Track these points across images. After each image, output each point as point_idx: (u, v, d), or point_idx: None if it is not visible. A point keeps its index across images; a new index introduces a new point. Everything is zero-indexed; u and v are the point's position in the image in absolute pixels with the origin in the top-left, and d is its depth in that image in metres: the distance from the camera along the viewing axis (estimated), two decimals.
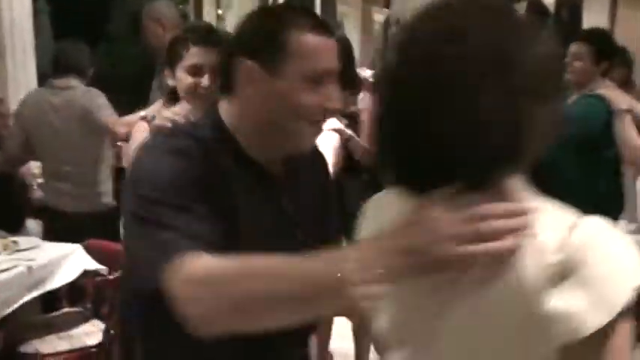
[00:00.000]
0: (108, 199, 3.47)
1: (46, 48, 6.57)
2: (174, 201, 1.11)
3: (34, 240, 2.95)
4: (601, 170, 2.98)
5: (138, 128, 2.10)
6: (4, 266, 2.62)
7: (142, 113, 2.11)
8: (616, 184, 3.06)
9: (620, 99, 2.92)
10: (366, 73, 3.99)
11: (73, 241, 2.94)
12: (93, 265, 2.90)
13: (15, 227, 3.29)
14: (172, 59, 1.92)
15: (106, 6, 8.94)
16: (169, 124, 1.77)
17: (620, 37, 4.84)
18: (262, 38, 1.19)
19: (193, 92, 1.86)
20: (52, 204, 3.40)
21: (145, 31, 3.48)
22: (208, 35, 1.91)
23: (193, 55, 1.86)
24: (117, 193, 4.04)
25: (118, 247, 3.00)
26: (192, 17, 5.72)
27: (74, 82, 3.39)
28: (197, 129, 1.25)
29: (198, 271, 1.00)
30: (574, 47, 3.01)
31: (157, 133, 1.64)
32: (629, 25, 4.81)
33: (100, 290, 2.86)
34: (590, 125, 2.89)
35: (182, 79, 1.89)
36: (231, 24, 5.37)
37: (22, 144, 3.40)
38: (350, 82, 2.85)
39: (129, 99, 5.41)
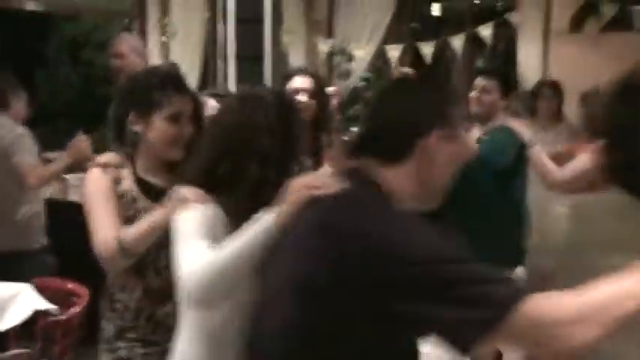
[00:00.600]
0: (40, 236, 3.42)
1: None
2: (460, 255, 1.12)
3: None
4: (514, 197, 3.16)
5: (94, 177, 1.86)
6: None
7: (102, 160, 1.90)
8: (524, 210, 3.23)
9: (526, 130, 3.10)
10: None
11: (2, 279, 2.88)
12: (43, 304, 2.84)
13: None
14: (147, 106, 1.82)
15: (43, 31, 8.79)
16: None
17: (554, 70, 5.09)
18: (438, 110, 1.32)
19: (174, 142, 1.83)
20: None
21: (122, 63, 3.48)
22: (182, 81, 1.89)
23: (175, 103, 1.82)
24: (50, 229, 3.99)
25: (68, 285, 2.96)
26: None
27: (2, 119, 3.34)
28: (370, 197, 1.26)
29: (569, 307, 1.09)
30: (482, 81, 3.18)
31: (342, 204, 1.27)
32: (561, 58, 5.05)
33: (50, 330, 2.80)
34: (507, 156, 3.05)
35: (162, 128, 1.82)
36: (175, 52, 5.35)
37: None
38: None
39: (69, 126, 5.35)
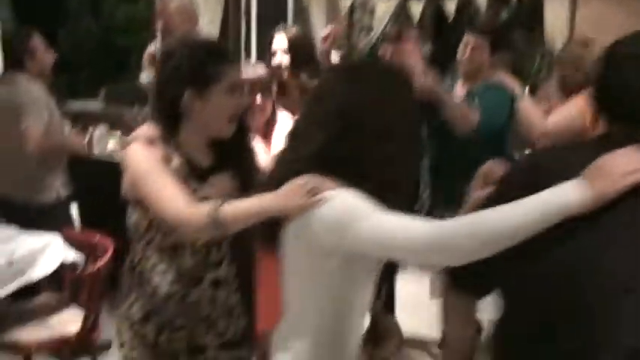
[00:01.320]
0: (58, 190, 3.51)
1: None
2: None
3: (12, 230, 2.98)
4: (504, 152, 3.15)
5: (142, 151, 1.75)
6: None
7: (145, 134, 1.79)
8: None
9: (516, 85, 3.16)
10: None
11: None
12: (71, 255, 2.97)
13: None
14: (204, 82, 1.74)
15: None
16: None
17: (581, 28, 5.02)
18: None
19: (234, 114, 1.78)
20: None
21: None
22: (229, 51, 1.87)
23: (230, 74, 1.76)
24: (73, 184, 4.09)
25: (95, 236, 3.08)
26: None
27: (17, 77, 3.41)
28: None
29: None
30: (472, 38, 3.16)
31: None
32: (589, 16, 4.98)
33: (77, 281, 2.92)
34: (503, 113, 3.10)
35: (222, 102, 1.75)
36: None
37: None
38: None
39: (90, 76, 5.44)
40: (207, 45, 1.87)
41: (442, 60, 4.63)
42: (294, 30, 3.22)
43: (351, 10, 6.42)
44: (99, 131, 4.24)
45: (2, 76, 3.50)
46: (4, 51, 3.63)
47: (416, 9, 6.04)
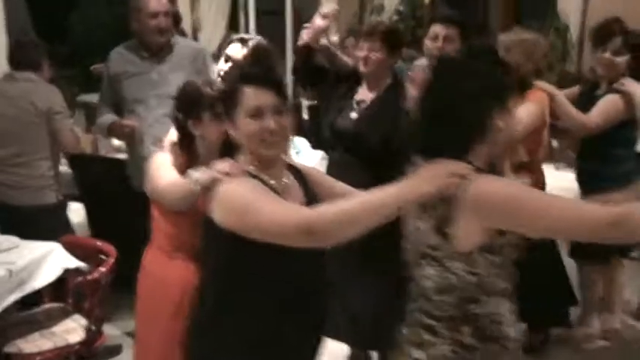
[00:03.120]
0: (57, 192, 3.48)
1: (19, 20, 6.43)
2: None
3: (13, 240, 2.96)
4: None
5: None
6: None
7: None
8: None
9: None
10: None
11: (22, 235, 2.99)
12: (73, 263, 2.95)
13: None
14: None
15: None
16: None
17: (594, 11, 4.86)
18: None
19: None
20: (1, 197, 3.39)
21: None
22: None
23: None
24: (80, 184, 4.06)
25: (97, 243, 3.05)
26: None
27: (34, 76, 3.40)
28: None
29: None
30: (443, 29, 2.95)
31: None
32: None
33: (80, 288, 2.90)
34: None
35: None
36: (204, 6, 5.25)
37: None
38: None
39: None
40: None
41: None
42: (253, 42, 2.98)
43: None
44: None
45: (19, 74, 3.42)
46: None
47: None
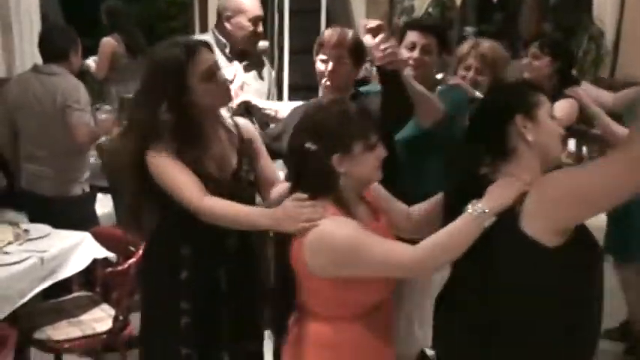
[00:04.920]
0: (83, 185, 3.52)
1: (54, 14, 6.50)
2: None
3: (44, 228, 3.00)
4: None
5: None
6: (16, 258, 2.70)
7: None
8: None
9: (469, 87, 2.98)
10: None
11: (49, 225, 3.03)
12: (102, 253, 2.98)
13: None
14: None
15: None
16: None
17: (629, 14, 4.80)
18: None
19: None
20: (30, 188, 3.45)
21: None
22: None
23: None
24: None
25: (125, 234, 3.07)
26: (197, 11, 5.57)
27: (58, 69, 3.42)
28: None
29: None
30: (422, 39, 2.67)
31: None
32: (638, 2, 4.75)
33: (109, 278, 2.93)
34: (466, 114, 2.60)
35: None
36: None
37: (8, 128, 3.48)
38: None
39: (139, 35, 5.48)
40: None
41: None
42: None
43: None
44: None
45: (44, 67, 3.47)
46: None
47: None
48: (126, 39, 5.33)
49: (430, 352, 3.01)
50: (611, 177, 1.51)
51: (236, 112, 2.78)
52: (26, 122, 3.43)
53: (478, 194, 1.65)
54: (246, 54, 3.17)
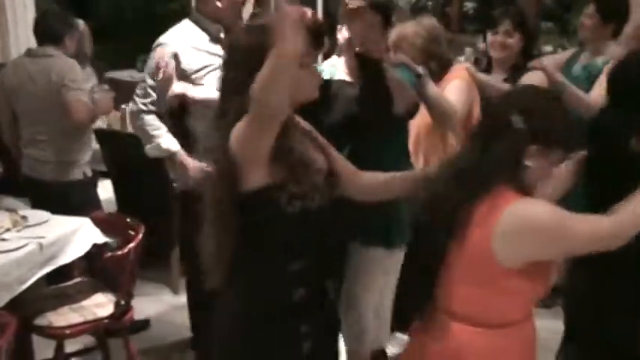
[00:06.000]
0: (84, 168, 3.49)
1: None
2: None
3: (43, 214, 2.98)
4: None
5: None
6: (14, 245, 2.67)
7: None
8: None
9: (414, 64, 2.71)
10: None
11: (51, 209, 3.01)
12: (102, 238, 2.96)
13: None
14: None
15: None
16: None
17: None
18: None
19: None
20: (32, 174, 3.43)
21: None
22: None
23: None
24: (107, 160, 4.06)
25: (125, 219, 3.06)
26: None
27: (53, 50, 3.39)
28: None
29: None
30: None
31: None
32: None
33: (109, 263, 2.91)
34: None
35: None
36: None
37: (7, 113, 3.46)
38: None
39: (130, 45, 5.40)
40: None
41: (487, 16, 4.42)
42: None
43: None
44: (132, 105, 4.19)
45: (38, 50, 3.45)
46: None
47: None
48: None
49: (390, 351, 2.97)
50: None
51: None
52: (24, 105, 3.40)
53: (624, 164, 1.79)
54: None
